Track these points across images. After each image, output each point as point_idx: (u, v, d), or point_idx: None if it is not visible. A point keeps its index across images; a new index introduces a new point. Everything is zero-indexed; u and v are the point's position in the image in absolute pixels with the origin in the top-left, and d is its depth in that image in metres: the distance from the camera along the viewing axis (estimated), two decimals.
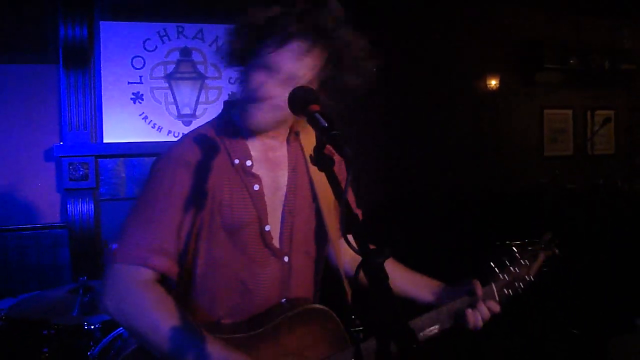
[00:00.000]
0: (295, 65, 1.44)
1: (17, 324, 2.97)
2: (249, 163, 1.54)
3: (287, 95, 1.31)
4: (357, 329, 1.17)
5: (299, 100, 1.27)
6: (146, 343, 1.40)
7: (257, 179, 1.55)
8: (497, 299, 1.74)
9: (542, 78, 6.28)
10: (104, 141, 4.49)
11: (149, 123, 4.60)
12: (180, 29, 4.66)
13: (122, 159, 4.52)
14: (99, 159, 4.46)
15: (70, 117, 4.36)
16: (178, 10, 4.63)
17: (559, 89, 6.47)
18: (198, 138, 1.55)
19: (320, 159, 1.17)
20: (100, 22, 4.47)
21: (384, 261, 1.00)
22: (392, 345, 0.96)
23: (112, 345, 2.50)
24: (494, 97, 6.06)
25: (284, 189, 1.61)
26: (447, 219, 5.29)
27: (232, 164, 1.53)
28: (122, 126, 4.52)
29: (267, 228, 1.56)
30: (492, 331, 1.78)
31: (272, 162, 1.60)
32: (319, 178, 1.63)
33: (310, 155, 1.20)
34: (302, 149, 1.66)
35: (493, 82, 6.03)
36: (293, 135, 1.65)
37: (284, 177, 1.62)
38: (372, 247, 1.05)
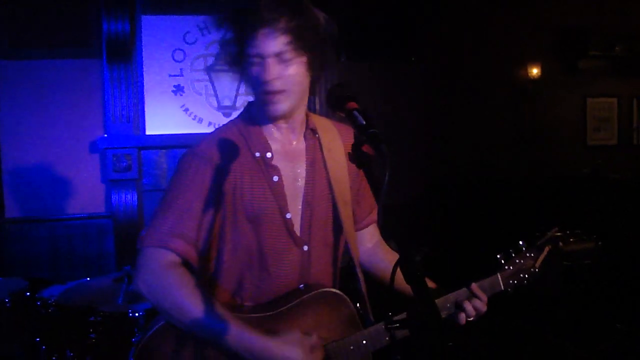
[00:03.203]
0: (273, 45, 1.52)
1: (66, 311, 3.08)
2: (269, 155, 1.64)
3: (284, 75, 1.51)
4: (394, 320, 1.19)
5: (337, 98, 1.29)
6: (172, 319, 1.52)
7: (276, 170, 1.64)
8: (503, 287, 1.80)
9: (586, 65, 6.11)
10: (147, 133, 4.58)
11: (190, 115, 4.68)
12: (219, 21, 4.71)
13: (164, 150, 4.61)
14: (141, 151, 4.56)
15: (113, 109, 4.47)
16: (217, 2, 4.68)
17: (603, 76, 6.30)
18: (221, 135, 1.67)
19: (358, 156, 1.19)
20: (142, 15, 4.56)
21: (422, 259, 1.01)
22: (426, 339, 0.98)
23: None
24: (535, 85, 5.94)
25: (303, 181, 1.70)
26: (488, 210, 5.24)
27: (253, 156, 1.63)
28: (163, 118, 4.61)
29: (288, 215, 1.66)
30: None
31: (291, 155, 1.69)
32: (336, 173, 1.72)
33: (349, 153, 1.23)
34: (320, 145, 1.73)
35: (534, 70, 5.91)
36: (310, 132, 1.73)
37: (302, 170, 1.71)
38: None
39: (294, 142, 1.71)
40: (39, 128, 4.43)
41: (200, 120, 4.70)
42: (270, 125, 1.67)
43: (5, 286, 3.21)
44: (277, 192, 1.64)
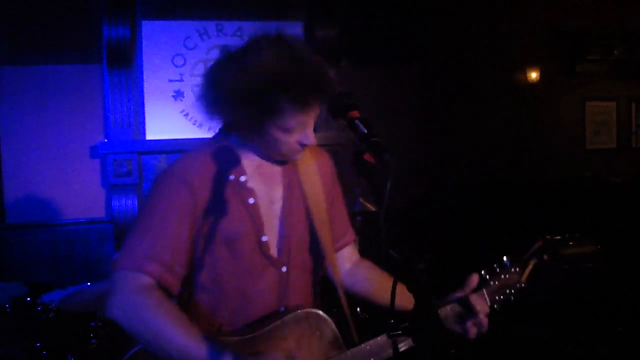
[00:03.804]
0: (306, 118, 1.52)
1: (66, 316, 3.09)
2: (243, 179, 1.63)
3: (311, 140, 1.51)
4: (396, 332, 1.19)
5: (339, 107, 1.30)
6: (147, 344, 1.47)
7: (251, 192, 1.63)
8: (489, 304, 1.77)
9: (584, 69, 6.13)
10: (147, 138, 4.59)
11: (190, 120, 4.68)
12: (219, 27, 4.72)
13: (164, 155, 4.61)
14: (141, 156, 4.57)
15: (113, 114, 4.47)
16: (217, 8, 4.69)
17: (602, 80, 6.31)
18: (196, 156, 1.64)
19: (360, 165, 1.19)
20: (142, 21, 4.56)
21: (425, 267, 1.02)
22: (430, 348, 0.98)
23: None
24: (534, 89, 5.95)
25: (280, 203, 1.69)
26: (487, 213, 5.25)
27: (228, 179, 1.61)
28: (163, 123, 4.62)
29: (264, 239, 1.64)
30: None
31: (266, 178, 1.68)
32: (312, 194, 1.72)
33: (354, 156, 1.22)
34: (295, 168, 1.73)
35: (534, 74, 5.92)
36: None
37: (278, 192, 1.70)
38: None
39: (271, 166, 1.69)
40: (40, 133, 4.44)
41: (201, 126, 4.70)
42: (247, 150, 1.65)
43: (5, 291, 3.21)
44: (253, 215, 1.63)
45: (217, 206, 1.58)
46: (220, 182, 1.60)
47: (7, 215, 4.40)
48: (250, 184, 1.64)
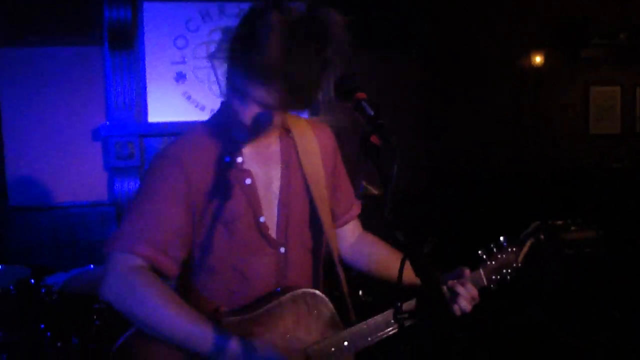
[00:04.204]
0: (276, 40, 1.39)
1: (70, 298, 3.11)
2: (239, 160, 1.61)
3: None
4: (402, 315, 1.19)
5: (346, 88, 1.29)
6: (141, 324, 1.47)
7: (248, 173, 1.62)
8: (486, 283, 1.79)
9: (589, 54, 6.08)
10: (149, 120, 4.57)
11: (192, 102, 4.67)
12: (221, 9, 4.69)
13: (166, 137, 4.58)
14: (144, 138, 4.54)
15: (115, 97, 4.45)
16: None
17: (606, 65, 6.27)
18: (192, 138, 1.64)
19: (366, 148, 1.18)
20: (144, 2, 4.51)
21: (429, 251, 1.02)
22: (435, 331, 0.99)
23: None
24: (538, 74, 5.92)
25: (278, 183, 1.67)
26: (490, 199, 5.25)
27: (224, 161, 1.59)
28: (166, 106, 4.59)
29: (262, 219, 1.63)
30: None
31: (264, 158, 1.66)
32: (311, 173, 1.70)
33: (362, 140, 1.20)
34: (294, 145, 1.70)
35: (537, 59, 5.88)
36: (285, 132, 1.70)
37: (277, 172, 1.68)
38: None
39: (268, 145, 1.68)
40: (41, 116, 4.41)
41: (203, 108, 4.68)
42: (244, 129, 1.56)
43: (9, 273, 3.23)
44: (250, 196, 1.62)
45: (213, 188, 1.57)
46: (216, 164, 1.59)
47: (10, 198, 4.40)
48: (247, 165, 1.62)
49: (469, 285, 1.72)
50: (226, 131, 1.62)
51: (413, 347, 1.26)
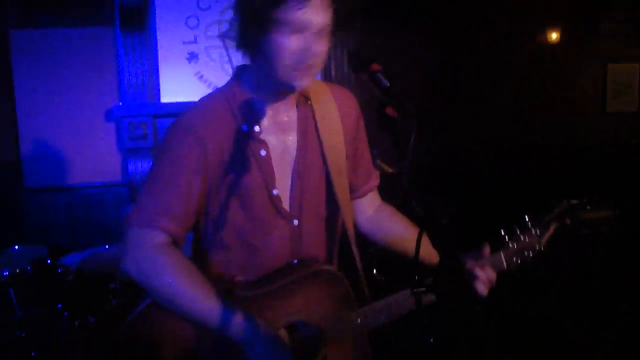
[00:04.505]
0: (323, 17, 1.43)
1: (87, 277, 3.14)
2: (257, 129, 1.56)
3: (323, 50, 1.41)
4: (419, 289, 1.18)
5: (361, 60, 1.26)
6: (163, 301, 1.49)
7: (264, 144, 1.58)
8: (505, 266, 1.73)
9: (608, 29, 5.95)
10: (162, 101, 4.56)
11: (205, 82, 4.65)
12: None
13: None
14: (157, 119, 4.55)
15: (128, 78, 4.45)
16: None
17: (625, 40, 6.13)
18: (208, 106, 1.62)
19: (382, 120, 1.16)
20: None
21: (447, 222, 1.00)
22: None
23: None
24: (554, 49, 5.81)
25: (293, 153, 1.64)
26: (505, 175, 5.20)
27: (241, 130, 1.56)
28: (178, 86, 4.58)
29: (275, 192, 1.61)
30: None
31: (280, 126, 1.62)
32: (330, 142, 1.66)
33: (378, 111, 1.19)
34: (312, 114, 1.66)
35: (554, 34, 5.77)
36: (303, 100, 1.66)
37: (293, 141, 1.64)
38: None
39: (286, 113, 1.63)
40: (54, 97, 4.43)
41: (216, 88, 4.67)
42: (263, 96, 1.57)
43: (26, 254, 3.26)
44: (264, 168, 1.59)
45: (230, 160, 1.55)
46: (232, 133, 1.56)
47: (25, 179, 4.44)
48: (263, 135, 1.58)
49: (488, 269, 1.68)
50: (243, 96, 1.59)
51: (431, 323, 1.24)
